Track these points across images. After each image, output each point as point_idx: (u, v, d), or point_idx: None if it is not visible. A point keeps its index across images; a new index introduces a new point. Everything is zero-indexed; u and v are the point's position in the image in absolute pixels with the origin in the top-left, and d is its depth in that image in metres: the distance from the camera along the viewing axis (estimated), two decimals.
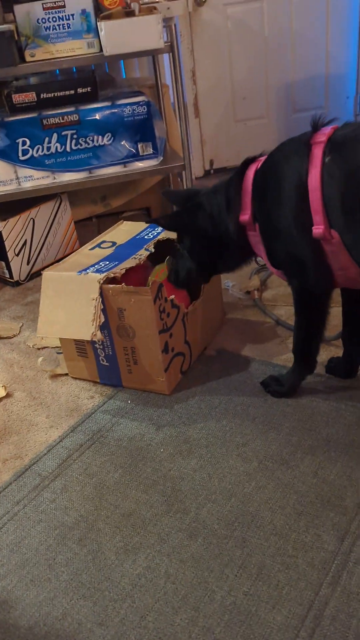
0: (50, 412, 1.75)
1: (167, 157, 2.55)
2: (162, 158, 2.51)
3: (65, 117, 2.37)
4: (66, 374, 1.89)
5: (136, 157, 2.48)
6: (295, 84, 3.35)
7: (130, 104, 2.39)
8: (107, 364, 1.78)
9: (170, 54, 2.36)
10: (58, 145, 2.40)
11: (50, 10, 2.19)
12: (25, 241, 2.53)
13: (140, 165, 2.49)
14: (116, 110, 2.39)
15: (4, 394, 1.84)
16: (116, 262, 1.72)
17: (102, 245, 1.88)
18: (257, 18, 3.16)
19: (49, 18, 2.20)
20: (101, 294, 1.63)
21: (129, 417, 1.67)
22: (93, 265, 1.72)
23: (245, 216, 1.50)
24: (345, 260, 1.39)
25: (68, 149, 2.42)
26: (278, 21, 3.18)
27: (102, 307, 1.62)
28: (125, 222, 2.05)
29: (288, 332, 1.93)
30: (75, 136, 2.40)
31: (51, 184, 2.46)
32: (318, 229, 1.36)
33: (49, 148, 2.40)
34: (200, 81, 3.24)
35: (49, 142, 2.39)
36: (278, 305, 2.11)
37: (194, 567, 1.22)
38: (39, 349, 2.07)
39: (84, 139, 2.41)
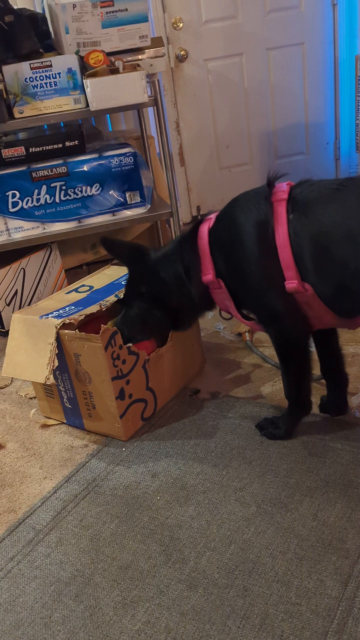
0: (44, 462, 1.72)
1: (155, 204, 2.60)
2: (149, 206, 2.56)
3: (54, 169, 2.42)
4: (59, 423, 1.87)
5: (124, 205, 2.53)
6: (277, 131, 3.46)
7: (117, 155, 2.46)
8: (70, 406, 1.80)
9: (155, 107, 2.45)
10: (47, 196, 2.45)
11: (37, 70, 2.27)
12: (16, 291, 2.54)
13: (128, 213, 2.54)
14: (104, 162, 2.46)
15: None
16: (81, 307, 1.74)
17: (79, 290, 1.91)
18: (237, 71, 3.30)
19: (36, 77, 2.28)
20: (58, 338, 1.65)
21: (124, 465, 1.65)
22: (58, 310, 1.75)
23: (208, 276, 1.51)
24: (319, 309, 1.41)
25: (57, 200, 2.46)
26: (257, 74, 3.32)
27: (57, 351, 1.65)
28: (112, 266, 2.07)
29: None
30: (64, 187, 2.45)
31: (41, 234, 2.49)
32: (292, 284, 1.38)
33: (38, 199, 2.45)
34: (184, 132, 3.34)
35: (39, 194, 2.44)
36: (269, 346, 2.12)
37: (195, 620, 1.18)
38: (31, 398, 2.05)
39: (72, 190, 2.46)
